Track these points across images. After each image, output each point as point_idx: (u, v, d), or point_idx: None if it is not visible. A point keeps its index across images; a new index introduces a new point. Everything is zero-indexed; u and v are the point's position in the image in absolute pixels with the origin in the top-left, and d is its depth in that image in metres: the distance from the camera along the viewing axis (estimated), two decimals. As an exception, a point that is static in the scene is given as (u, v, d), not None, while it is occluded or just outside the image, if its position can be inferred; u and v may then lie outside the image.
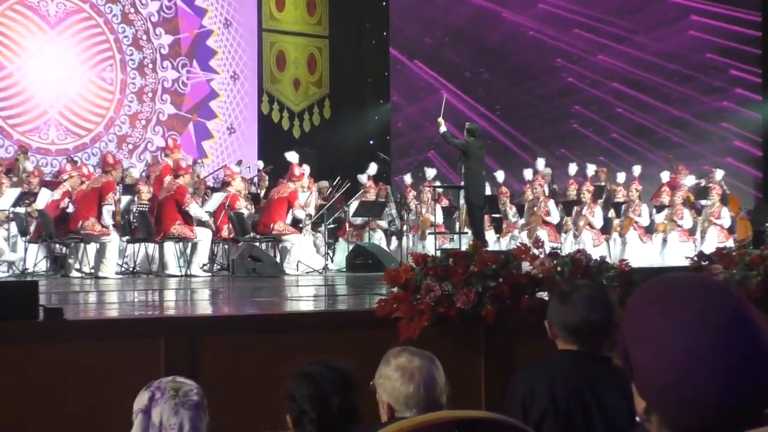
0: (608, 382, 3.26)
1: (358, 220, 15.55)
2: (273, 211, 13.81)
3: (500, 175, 16.55)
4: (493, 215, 15.54)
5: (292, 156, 14.76)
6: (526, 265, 5.67)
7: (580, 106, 21.18)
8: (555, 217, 15.50)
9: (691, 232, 15.67)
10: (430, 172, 16.55)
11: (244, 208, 14.36)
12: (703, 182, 16.69)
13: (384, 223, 15.88)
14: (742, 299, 1.46)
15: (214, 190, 15.69)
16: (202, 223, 13.43)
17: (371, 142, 21.10)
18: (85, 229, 12.50)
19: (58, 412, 4.86)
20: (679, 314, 1.42)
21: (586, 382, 3.26)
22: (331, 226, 15.68)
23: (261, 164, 17.18)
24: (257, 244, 13.51)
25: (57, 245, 13.41)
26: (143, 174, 15.72)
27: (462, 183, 13.74)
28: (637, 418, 1.52)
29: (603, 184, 16.77)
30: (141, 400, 3.13)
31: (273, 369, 5.22)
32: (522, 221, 15.77)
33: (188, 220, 13.09)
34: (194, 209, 13.22)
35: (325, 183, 18.07)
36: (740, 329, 1.40)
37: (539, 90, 21.42)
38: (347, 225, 15.46)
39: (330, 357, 3.29)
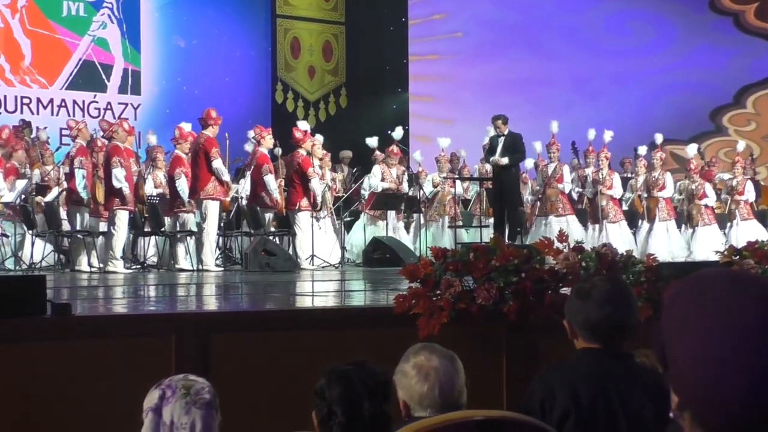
0: (631, 380, 3.25)
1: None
2: (294, 188, 13.78)
3: (529, 163, 16.51)
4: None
5: (303, 125, 14.69)
6: (550, 260, 5.66)
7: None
8: (568, 184, 15.49)
9: (720, 224, 15.67)
10: (443, 142, 16.42)
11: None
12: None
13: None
14: None
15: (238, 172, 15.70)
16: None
17: (389, 132, 21.07)
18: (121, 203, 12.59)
19: (66, 410, 4.88)
20: (717, 310, 1.43)
21: (610, 380, 3.26)
22: (348, 218, 15.67)
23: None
24: (271, 237, 13.51)
25: (65, 239, 13.46)
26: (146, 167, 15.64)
27: (494, 179, 13.71)
28: (671, 414, 1.53)
29: (628, 175, 16.65)
30: (151, 398, 3.14)
31: (288, 367, 5.24)
32: (528, 195, 15.69)
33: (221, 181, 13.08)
34: (218, 164, 12.99)
35: (348, 153, 18.02)
36: None
37: (569, 72, 21.34)
38: (367, 202, 15.39)
39: (365, 360, 3.24)
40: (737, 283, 1.46)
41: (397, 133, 15.84)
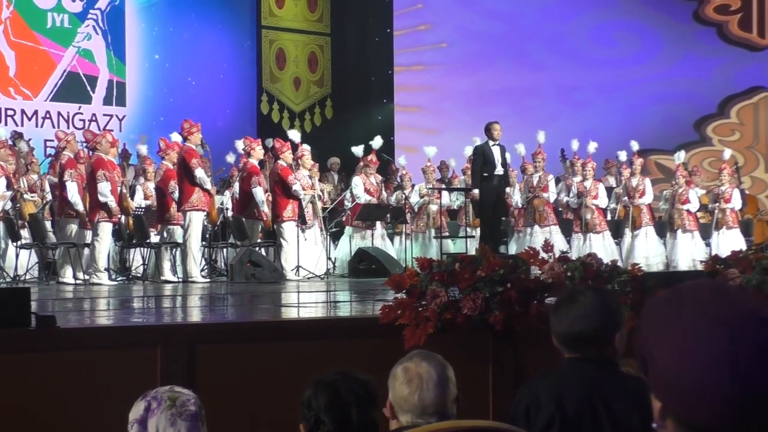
0: (617, 389, 3.27)
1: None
2: (277, 199, 13.77)
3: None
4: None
5: (294, 134, 14.68)
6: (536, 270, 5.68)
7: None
8: (553, 194, 15.50)
9: (703, 233, 15.73)
10: (430, 151, 16.37)
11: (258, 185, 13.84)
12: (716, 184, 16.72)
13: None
14: (757, 300, 1.52)
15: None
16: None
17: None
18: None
19: (51, 423, 4.86)
20: (696, 313, 1.49)
21: (595, 389, 3.28)
22: (334, 229, 15.65)
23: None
24: (257, 248, 13.50)
25: (49, 250, 13.41)
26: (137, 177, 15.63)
27: (488, 190, 13.68)
28: (653, 425, 1.55)
29: (612, 186, 16.67)
30: (137, 410, 3.13)
31: (274, 378, 5.24)
32: (519, 199, 15.63)
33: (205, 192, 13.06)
34: (200, 173, 12.90)
35: (336, 159, 18.07)
36: (754, 324, 1.46)
37: (555, 82, 21.40)
38: (351, 214, 15.35)
39: (350, 369, 3.27)
40: (718, 291, 1.52)
41: (376, 142, 15.79)
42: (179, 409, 3.10)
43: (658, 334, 1.51)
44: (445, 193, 15.79)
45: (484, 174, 13.65)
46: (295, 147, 14.40)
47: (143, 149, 15.53)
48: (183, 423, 3.08)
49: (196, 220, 12.93)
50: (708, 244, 15.61)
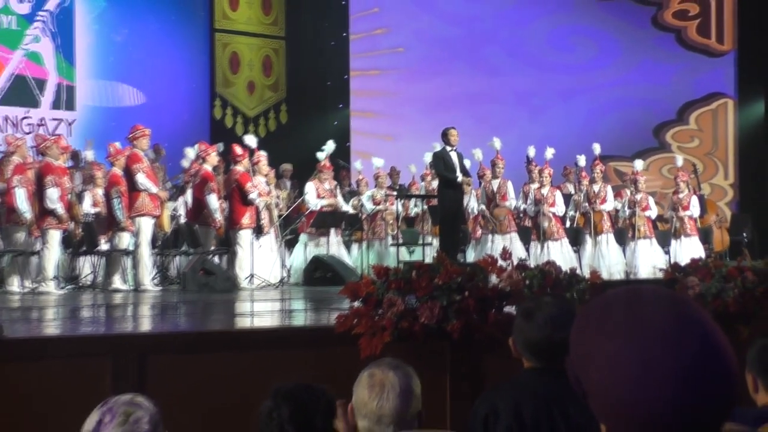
0: (575, 399, 3.27)
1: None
2: (235, 206, 13.71)
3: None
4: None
5: (250, 139, 14.62)
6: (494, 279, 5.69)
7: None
8: (513, 201, 15.51)
9: (661, 241, 15.84)
10: (377, 162, 16.43)
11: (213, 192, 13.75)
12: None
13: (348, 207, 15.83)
14: (687, 301, 1.52)
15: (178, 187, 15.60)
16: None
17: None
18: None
19: (-3, 436, 4.81)
20: (622, 329, 1.48)
21: (554, 400, 3.29)
22: (289, 236, 15.61)
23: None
24: (210, 256, 13.42)
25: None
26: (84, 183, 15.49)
27: (448, 197, 13.65)
28: None
29: (571, 193, 16.70)
30: (90, 421, 3.06)
31: (226, 388, 5.21)
32: (478, 207, 15.63)
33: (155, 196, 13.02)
34: (140, 178, 12.86)
35: (288, 166, 18.00)
36: (687, 332, 1.45)
37: (513, 87, 21.49)
38: (306, 221, 15.31)
39: (305, 379, 3.27)
40: (644, 297, 1.52)
41: (329, 147, 15.76)
42: (131, 426, 3.02)
43: (589, 356, 1.51)
44: (395, 201, 15.84)
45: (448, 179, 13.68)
46: (251, 153, 14.35)
47: (90, 155, 15.38)
48: (132, 442, 3.00)
49: (146, 226, 12.84)
50: (667, 252, 15.72)
